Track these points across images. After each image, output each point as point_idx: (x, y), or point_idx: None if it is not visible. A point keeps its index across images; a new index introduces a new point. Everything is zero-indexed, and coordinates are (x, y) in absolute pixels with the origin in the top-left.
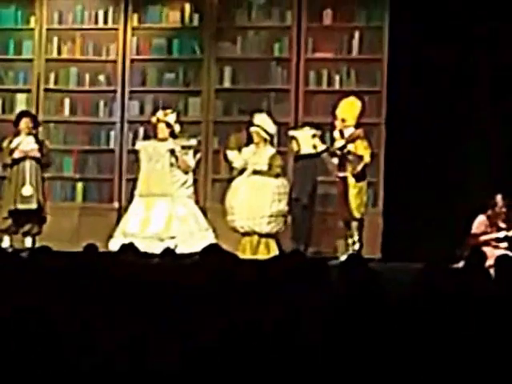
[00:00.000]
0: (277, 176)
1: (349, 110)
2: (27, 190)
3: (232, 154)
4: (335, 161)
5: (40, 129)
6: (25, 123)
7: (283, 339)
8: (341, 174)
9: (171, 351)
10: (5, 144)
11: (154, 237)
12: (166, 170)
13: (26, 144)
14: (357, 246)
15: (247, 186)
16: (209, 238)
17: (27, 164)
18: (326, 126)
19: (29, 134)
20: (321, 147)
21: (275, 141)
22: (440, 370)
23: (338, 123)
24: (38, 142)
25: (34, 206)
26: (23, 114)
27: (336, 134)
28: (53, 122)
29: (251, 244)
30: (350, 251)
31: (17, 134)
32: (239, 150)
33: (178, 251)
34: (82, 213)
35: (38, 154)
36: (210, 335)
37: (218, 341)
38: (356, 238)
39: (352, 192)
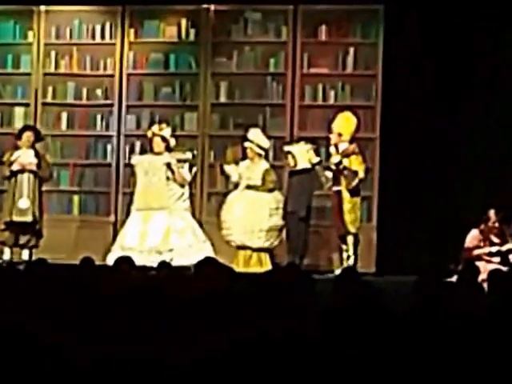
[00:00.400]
0: (270, 191)
1: (345, 124)
2: (23, 203)
3: (229, 168)
4: (329, 174)
5: (42, 143)
6: (26, 137)
7: (280, 352)
8: (335, 188)
9: (167, 364)
10: (5, 157)
11: (153, 250)
12: (163, 183)
13: (25, 157)
14: (351, 261)
15: (242, 200)
16: (207, 250)
17: (25, 177)
18: (321, 140)
19: (30, 147)
20: (315, 159)
21: (271, 155)
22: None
23: (333, 137)
24: (37, 155)
25: (29, 218)
26: (26, 127)
27: (332, 149)
28: (50, 135)
29: (244, 257)
30: (345, 265)
31: (18, 147)
32: (236, 163)
33: (174, 264)
34: (78, 225)
35: (34, 168)
36: (207, 348)
37: (215, 353)
38: (351, 252)
39: (346, 207)
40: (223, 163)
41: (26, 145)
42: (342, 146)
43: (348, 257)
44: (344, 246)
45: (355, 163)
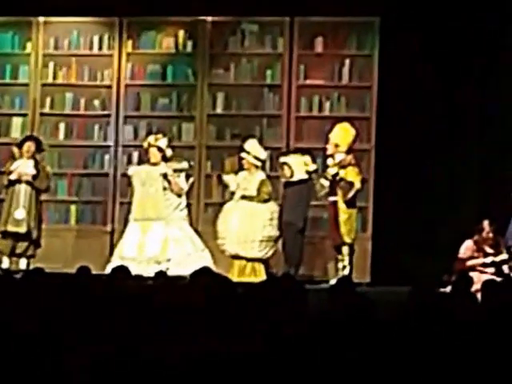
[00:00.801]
0: (265, 201)
1: (342, 135)
2: (19, 214)
3: (227, 178)
4: (325, 182)
5: (42, 154)
6: (27, 147)
7: (274, 361)
8: (331, 199)
9: (164, 370)
10: (5, 166)
11: (151, 260)
12: (160, 193)
13: (23, 167)
14: (346, 271)
15: (237, 210)
16: (206, 258)
17: (22, 187)
18: (316, 151)
19: (30, 157)
20: (312, 166)
21: (267, 165)
22: None
23: (330, 147)
24: (36, 166)
25: (23, 229)
26: (28, 137)
27: (329, 160)
28: (48, 145)
29: (239, 267)
30: (340, 275)
31: (15, 156)
32: (235, 173)
33: (171, 273)
34: (75, 235)
35: (30, 179)
36: (202, 356)
37: (209, 362)
38: (346, 262)
39: (342, 217)
40: (222, 173)
41: (27, 155)
42: (339, 157)
43: (343, 267)
44: (339, 256)
45: (352, 174)
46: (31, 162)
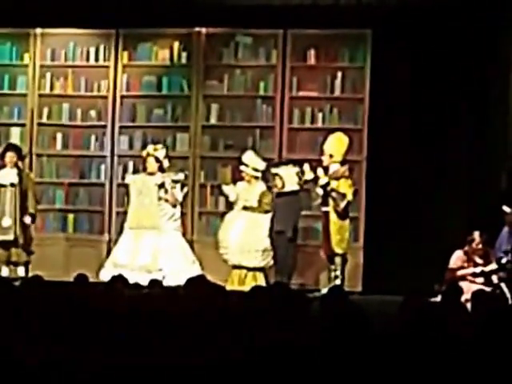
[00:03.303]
0: (266, 212)
1: (337, 145)
2: (6, 222)
3: (227, 188)
4: (320, 191)
5: (24, 161)
6: (9, 157)
7: (270, 370)
8: (324, 209)
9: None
10: None
11: (143, 268)
12: (155, 203)
13: (6, 176)
14: (338, 281)
15: (239, 220)
16: (195, 272)
17: (8, 195)
18: (308, 162)
19: (13, 166)
20: (308, 175)
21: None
22: None
23: (325, 158)
24: (20, 174)
25: (10, 237)
26: (9, 147)
27: (320, 171)
28: (45, 155)
29: (240, 276)
30: (332, 284)
31: (2, 166)
32: (234, 183)
33: (165, 283)
34: (72, 244)
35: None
36: (198, 365)
37: (204, 370)
38: (338, 272)
39: (333, 228)
40: (217, 183)
41: (10, 165)
42: (333, 168)
43: (335, 277)
44: (332, 266)
45: (344, 186)
46: (14, 171)
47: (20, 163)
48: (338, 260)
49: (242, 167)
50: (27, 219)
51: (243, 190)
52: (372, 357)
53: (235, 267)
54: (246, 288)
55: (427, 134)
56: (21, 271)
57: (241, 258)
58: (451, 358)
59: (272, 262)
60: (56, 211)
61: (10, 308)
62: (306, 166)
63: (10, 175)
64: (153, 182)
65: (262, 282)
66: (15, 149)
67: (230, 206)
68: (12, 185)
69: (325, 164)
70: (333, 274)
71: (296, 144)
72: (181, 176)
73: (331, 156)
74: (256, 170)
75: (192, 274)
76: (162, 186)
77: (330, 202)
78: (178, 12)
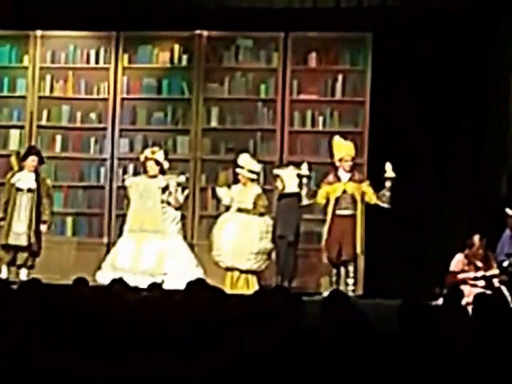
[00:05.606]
0: (261, 215)
1: (342, 148)
2: (19, 227)
3: (221, 191)
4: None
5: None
6: (31, 160)
7: (271, 373)
8: (346, 212)
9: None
10: (6, 178)
11: (146, 272)
12: (158, 206)
13: (24, 181)
14: (351, 287)
15: (233, 222)
16: (198, 275)
17: (24, 200)
18: (309, 165)
19: (32, 171)
20: (304, 171)
21: (261, 179)
22: None
23: (348, 163)
24: (37, 179)
25: (24, 243)
26: (32, 150)
27: (346, 175)
28: (45, 157)
29: (232, 279)
30: (350, 293)
31: (21, 169)
32: (228, 187)
33: (165, 286)
34: (71, 247)
35: (31, 192)
36: (195, 369)
37: (203, 374)
38: (351, 276)
39: (359, 231)
40: (216, 186)
41: (31, 169)
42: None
43: (354, 282)
44: (351, 272)
45: (370, 191)
46: (33, 176)
47: (39, 168)
48: (352, 264)
49: (238, 170)
50: (43, 227)
51: (238, 192)
52: (373, 359)
53: (228, 269)
54: (239, 291)
55: (428, 136)
56: (23, 274)
57: (234, 260)
58: (451, 360)
59: (265, 266)
60: (55, 214)
61: (7, 311)
62: (305, 165)
63: (28, 180)
64: (155, 184)
65: (254, 284)
66: (37, 153)
67: (226, 208)
68: (29, 190)
69: (348, 169)
70: (350, 281)
71: (297, 147)
72: (182, 179)
73: (341, 160)
74: (252, 172)
75: (195, 277)
76: (165, 188)
77: (359, 204)
78: (178, 15)
